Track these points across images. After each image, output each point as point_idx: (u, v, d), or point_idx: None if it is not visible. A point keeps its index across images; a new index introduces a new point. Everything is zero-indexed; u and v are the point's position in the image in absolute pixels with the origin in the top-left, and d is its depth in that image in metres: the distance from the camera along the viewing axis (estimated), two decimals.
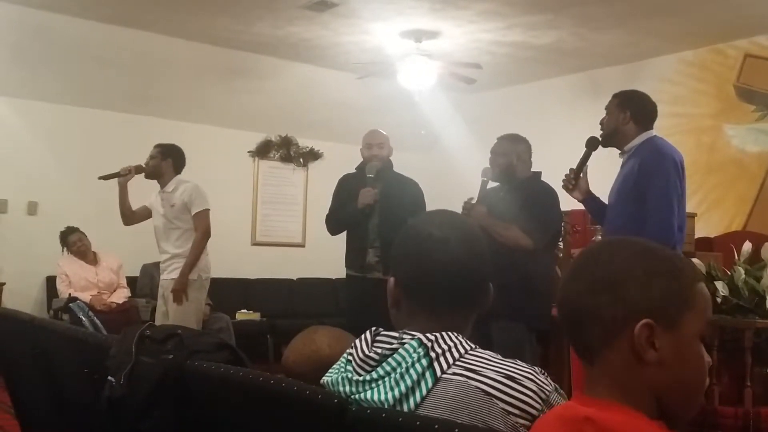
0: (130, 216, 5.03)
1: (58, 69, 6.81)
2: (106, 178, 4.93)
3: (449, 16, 6.14)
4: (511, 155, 4.04)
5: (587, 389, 1.14)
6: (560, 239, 4.97)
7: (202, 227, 4.84)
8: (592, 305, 1.09)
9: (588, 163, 3.81)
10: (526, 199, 3.93)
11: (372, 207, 4.42)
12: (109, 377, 1.85)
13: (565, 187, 3.83)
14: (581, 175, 3.79)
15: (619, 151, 3.68)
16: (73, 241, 6.43)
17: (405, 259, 1.43)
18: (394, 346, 1.31)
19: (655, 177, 3.42)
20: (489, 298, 1.45)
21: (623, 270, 1.10)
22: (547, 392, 1.27)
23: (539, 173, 4.13)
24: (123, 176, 4.90)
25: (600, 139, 3.71)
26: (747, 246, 5.05)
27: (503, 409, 1.23)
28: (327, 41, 6.90)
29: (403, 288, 1.42)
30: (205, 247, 4.87)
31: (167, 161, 4.92)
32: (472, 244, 1.43)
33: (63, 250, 6.47)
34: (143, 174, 4.96)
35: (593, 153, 3.79)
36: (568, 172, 3.81)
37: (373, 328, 1.39)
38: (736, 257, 5.02)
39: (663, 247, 1.16)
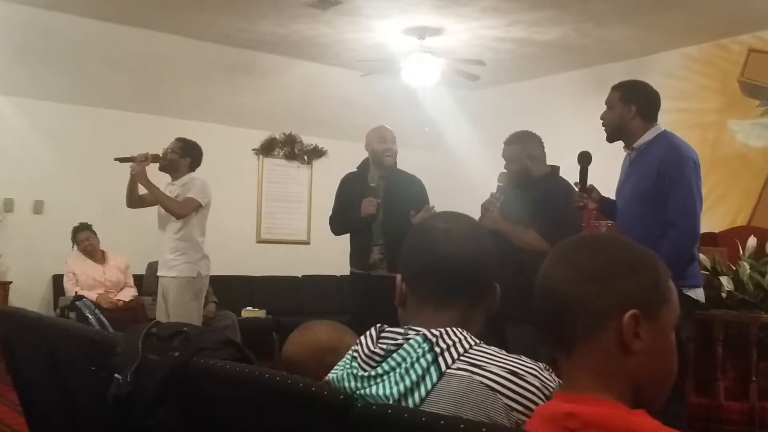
0: (136, 201, 4.96)
1: (62, 68, 6.83)
2: (121, 160, 4.87)
3: (452, 12, 6.14)
4: (522, 158, 3.88)
5: (565, 385, 1.16)
6: None
7: (188, 204, 4.75)
8: (580, 296, 1.11)
9: (587, 178, 3.69)
10: (542, 199, 3.78)
11: (374, 216, 4.43)
12: (116, 375, 1.86)
13: (578, 206, 3.64)
14: (587, 187, 3.63)
15: (624, 144, 3.54)
16: (80, 239, 6.44)
17: (410, 253, 1.47)
18: (399, 341, 1.32)
19: (677, 182, 3.27)
20: (495, 297, 1.47)
21: (611, 263, 1.13)
22: (550, 389, 1.27)
23: (557, 168, 3.95)
24: (137, 162, 4.82)
25: (590, 153, 3.62)
26: (752, 241, 5.05)
27: (507, 404, 1.23)
28: (330, 39, 6.91)
29: (408, 281, 1.45)
30: (172, 208, 4.74)
31: (185, 159, 4.90)
32: (476, 238, 1.46)
33: (73, 247, 6.48)
34: (157, 164, 4.93)
35: (587, 166, 3.68)
36: (575, 191, 3.65)
37: (378, 325, 1.40)
38: (741, 252, 5.02)
39: (636, 243, 1.19)
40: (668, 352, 1.14)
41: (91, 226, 6.49)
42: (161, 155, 4.89)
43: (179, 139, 5.00)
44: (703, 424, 4.59)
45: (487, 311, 1.46)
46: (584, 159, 3.62)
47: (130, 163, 4.82)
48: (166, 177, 4.96)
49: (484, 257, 1.45)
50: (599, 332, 1.10)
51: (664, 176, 3.28)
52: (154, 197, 4.78)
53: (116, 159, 4.91)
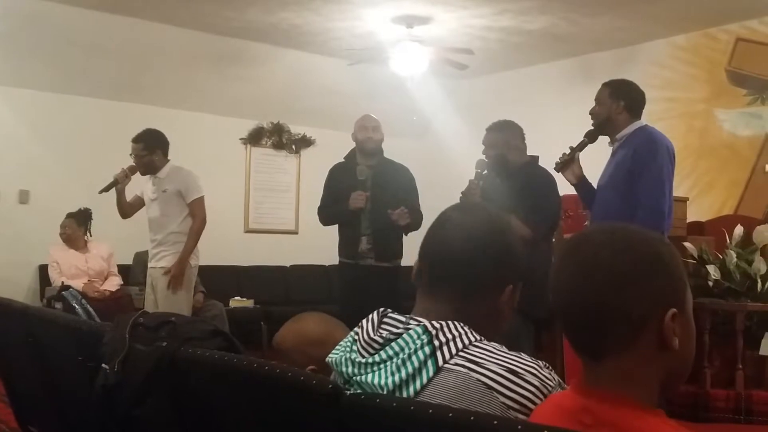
0: (128, 210, 5.07)
1: (47, 57, 6.77)
2: (106, 190, 4.94)
3: (440, 1, 6.12)
4: (501, 145, 3.97)
5: (587, 379, 1.13)
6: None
7: (200, 215, 4.84)
8: (617, 302, 1.06)
9: (579, 153, 3.84)
10: (523, 186, 3.86)
11: (363, 209, 4.43)
12: (103, 365, 1.85)
13: (557, 161, 3.83)
14: (574, 158, 3.80)
15: (609, 140, 3.71)
16: (62, 226, 6.44)
17: (423, 239, 1.45)
18: (399, 330, 1.30)
19: (649, 164, 3.44)
20: (506, 298, 1.39)
21: (640, 261, 1.07)
22: (549, 388, 1.24)
23: (536, 158, 4.05)
24: (121, 183, 4.90)
25: (598, 135, 3.74)
26: (739, 230, 5.08)
27: (503, 403, 1.21)
28: (318, 27, 6.87)
29: (419, 267, 1.42)
30: (200, 229, 4.87)
31: (157, 153, 4.90)
32: (486, 232, 1.40)
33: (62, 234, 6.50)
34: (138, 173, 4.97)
35: (589, 143, 3.82)
36: (561, 156, 3.83)
37: (381, 309, 1.38)
38: (728, 241, 5.05)
39: (650, 231, 1.15)
40: (693, 335, 1.12)
41: (75, 214, 6.47)
42: (134, 163, 4.92)
43: (137, 139, 4.93)
44: (690, 411, 4.62)
45: (493, 310, 1.39)
46: (591, 135, 3.79)
47: (116, 186, 4.89)
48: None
49: (492, 252, 1.37)
50: (639, 336, 1.06)
51: (638, 160, 3.46)
52: (190, 249, 4.80)
53: (101, 191, 4.98)
